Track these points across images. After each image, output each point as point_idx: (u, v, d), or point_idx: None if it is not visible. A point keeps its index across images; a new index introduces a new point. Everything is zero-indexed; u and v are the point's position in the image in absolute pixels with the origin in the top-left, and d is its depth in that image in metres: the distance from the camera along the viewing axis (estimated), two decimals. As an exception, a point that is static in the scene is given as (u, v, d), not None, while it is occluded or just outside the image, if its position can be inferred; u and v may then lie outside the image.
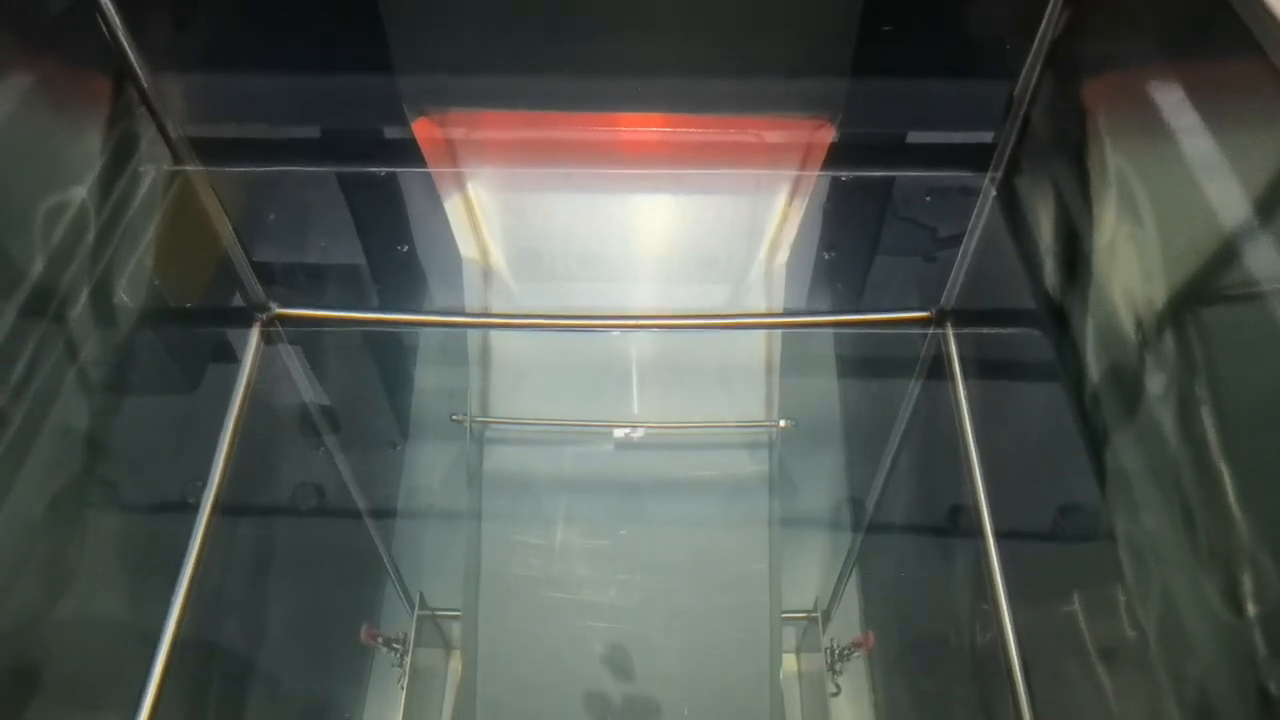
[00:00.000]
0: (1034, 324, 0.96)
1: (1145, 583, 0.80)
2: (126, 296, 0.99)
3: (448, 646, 1.97)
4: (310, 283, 1.53)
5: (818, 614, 1.82)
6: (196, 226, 1.06)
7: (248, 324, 1.07)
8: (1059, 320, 0.90)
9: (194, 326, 1.19)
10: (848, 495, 1.95)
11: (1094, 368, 0.86)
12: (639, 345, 1.74)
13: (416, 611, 1.76)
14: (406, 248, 1.84)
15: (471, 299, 1.65)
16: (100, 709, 1.09)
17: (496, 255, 1.65)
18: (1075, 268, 0.88)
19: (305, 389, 1.26)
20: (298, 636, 1.66)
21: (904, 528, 1.68)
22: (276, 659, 1.54)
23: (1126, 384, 0.84)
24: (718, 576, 1.76)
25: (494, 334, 1.71)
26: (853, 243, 1.51)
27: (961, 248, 0.92)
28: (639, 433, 1.71)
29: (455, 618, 1.80)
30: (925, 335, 1.06)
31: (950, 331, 1.01)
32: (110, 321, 1.00)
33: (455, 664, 1.94)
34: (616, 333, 1.71)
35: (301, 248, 1.54)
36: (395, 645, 1.74)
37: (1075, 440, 0.91)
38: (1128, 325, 0.85)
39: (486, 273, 1.66)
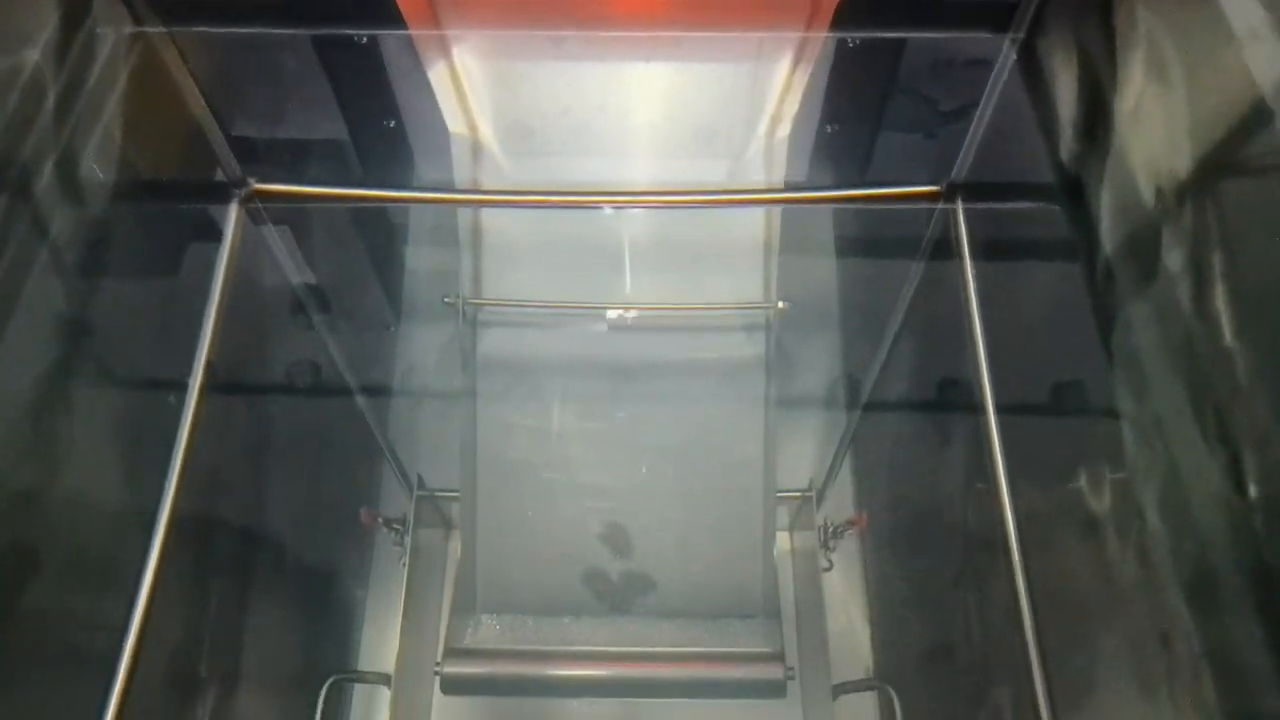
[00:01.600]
0: (1048, 197, 0.92)
1: (1149, 461, 0.79)
2: (95, 171, 0.94)
3: (447, 526, 2.01)
4: (291, 158, 1.46)
5: (812, 493, 1.84)
6: (164, 96, 0.99)
7: (225, 200, 1.02)
8: (1075, 193, 0.86)
9: (169, 203, 1.14)
10: (845, 376, 1.95)
11: (1109, 242, 0.82)
12: (634, 224, 1.69)
13: (416, 492, 1.78)
14: (392, 122, 1.76)
15: (461, 175, 1.59)
16: (100, 589, 1.10)
17: (485, 129, 1.58)
18: (1095, 136, 0.83)
19: (291, 269, 1.23)
20: (297, 518, 1.68)
21: (901, 408, 1.67)
22: (276, 540, 1.56)
23: (1142, 259, 0.80)
24: (713, 457, 1.76)
25: (485, 212, 1.65)
26: (858, 115, 1.44)
27: (976, 115, 0.87)
28: (634, 314, 1.68)
29: (454, 498, 1.82)
30: (933, 212, 1.02)
31: (960, 206, 0.96)
32: (79, 198, 0.95)
33: (455, 543, 1.98)
34: (610, 210, 1.65)
35: (280, 120, 1.47)
36: (395, 526, 1.76)
37: (1084, 318, 0.88)
38: (1147, 197, 0.81)
39: (475, 148, 1.60)
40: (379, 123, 1.71)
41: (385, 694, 1.54)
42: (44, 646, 1.01)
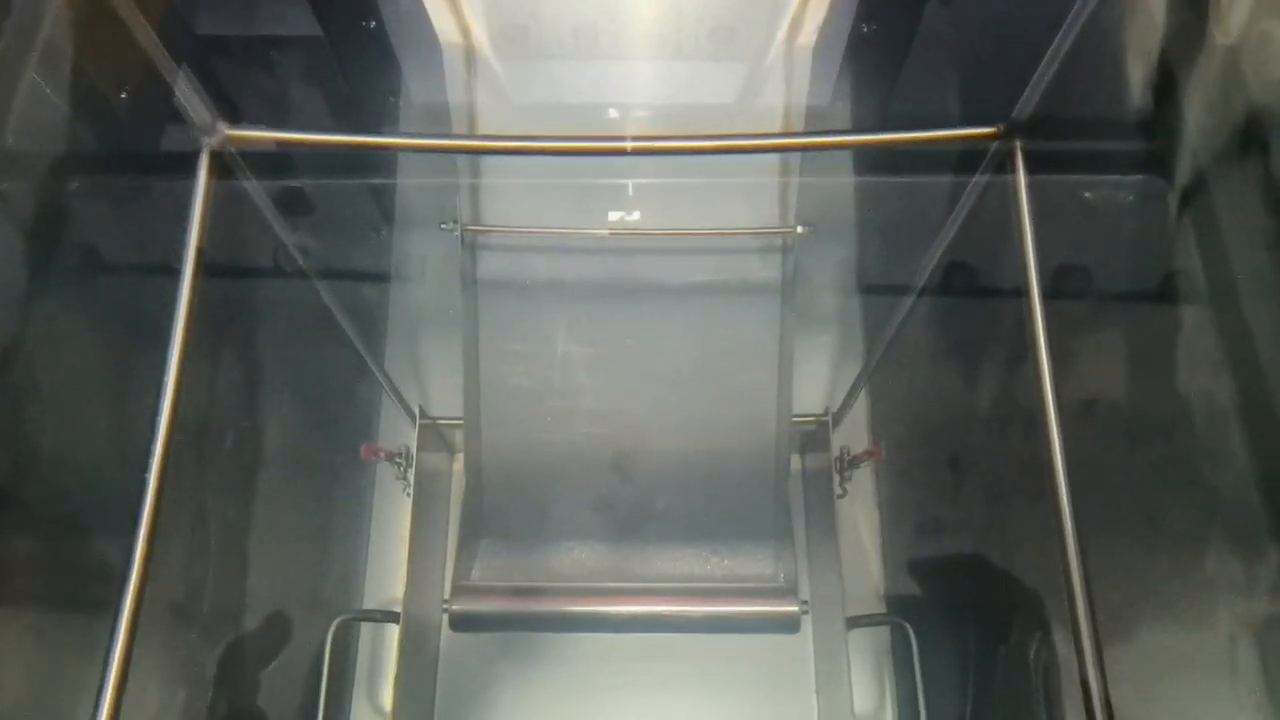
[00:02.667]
0: (1127, 137, 0.82)
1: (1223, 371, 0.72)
2: (30, 117, 0.83)
3: (451, 451, 1.96)
4: (265, 89, 1.33)
5: (828, 418, 1.78)
6: (106, 25, 0.87)
7: (194, 149, 0.91)
8: (1158, 137, 0.76)
9: (126, 154, 1.03)
10: (866, 305, 1.86)
11: (1207, 191, 0.73)
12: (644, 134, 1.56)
13: (419, 421, 1.72)
14: (373, 23, 1.61)
15: (454, 89, 1.47)
16: (96, 540, 1.06)
17: (479, 34, 1.44)
18: (1189, 76, 0.72)
19: (273, 218, 1.12)
20: (295, 457, 1.63)
21: (933, 344, 1.60)
22: (274, 481, 1.51)
23: (1233, 209, 0.71)
24: (725, 383, 1.70)
25: (483, 128, 1.52)
26: (894, 26, 1.29)
27: (1054, 45, 0.74)
28: (644, 238, 1.58)
29: (457, 425, 1.76)
30: (985, 148, 0.91)
31: (1019, 146, 0.85)
32: (16, 153, 0.85)
33: (459, 466, 1.94)
34: (614, 112, 1.54)
35: (249, 49, 1.32)
36: (398, 460, 1.71)
37: (1155, 266, 0.79)
38: (1240, 143, 0.71)
39: (469, 56, 1.47)
40: (358, 25, 1.56)
41: (393, 632, 1.52)
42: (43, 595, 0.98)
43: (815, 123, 1.47)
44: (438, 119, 1.49)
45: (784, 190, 1.52)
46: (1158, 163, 0.80)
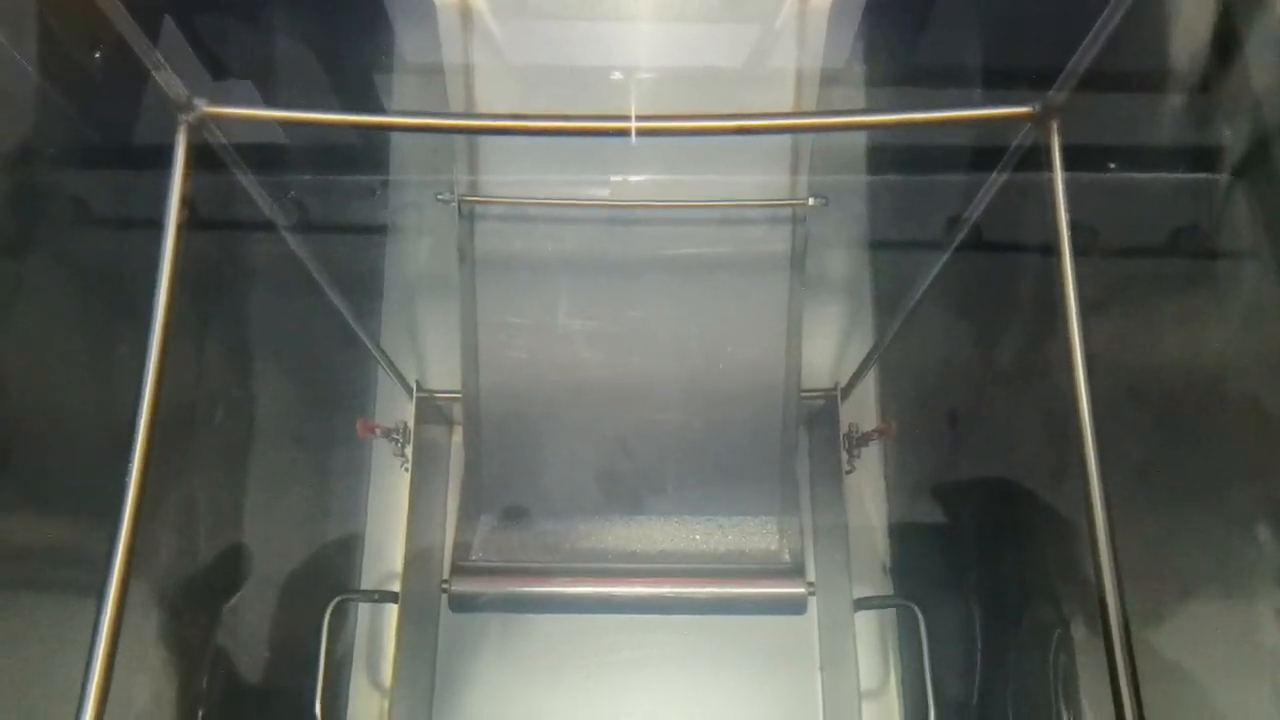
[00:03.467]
0: (1174, 122, 0.76)
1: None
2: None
3: (450, 423, 1.92)
4: (247, 40, 1.25)
5: (836, 392, 1.74)
6: (81, 13, 0.80)
7: (170, 129, 0.85)
8: (1212, 121, 0.70)
9: (98, 139, 0.97)
10: (880, 281, 1.80)
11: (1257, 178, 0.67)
12: (647, 100, 1.50)
13: (416, 394, 1.68)
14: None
15: (450, 50, 1.40)
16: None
17: (474, -12, 1.37)
18: (1251, 55, 0.66)
19: (257, 194, 1.06)
20: (288, 433, 1.59)
21: (952, 322, 1.54)
22: (267, 457, 1.47)
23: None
24: (732, 356, 1.65)
25: (480, 92, 1.46)
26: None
27: (1106, 11, 0.67)
28: (650, 208, 1.52)
29: (455, 398, 1.72)
30: (1019, 126, 0.85)
31: (1055, 127, 0.79)
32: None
33: (458, 439, 1.90)
34: (618, 74, 1.47)
35: (227, 17, 1.24)
36: (395, 436, 1.67)
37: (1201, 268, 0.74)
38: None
39: (465, 15, 1.39)
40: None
41: (392, 611, 1.49)
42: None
43: (830, 88, 1.40)
44: (431, 81, 1.42)
45: (795, 160, 1.45)
46: (1207, 152, 0.74)
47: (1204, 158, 0.76)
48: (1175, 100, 0.80)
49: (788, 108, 1.45)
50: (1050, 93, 0.78)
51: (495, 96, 1.47)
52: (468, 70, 1.42)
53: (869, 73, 1.61)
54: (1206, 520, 0.91)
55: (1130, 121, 0.86)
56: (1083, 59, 0.72)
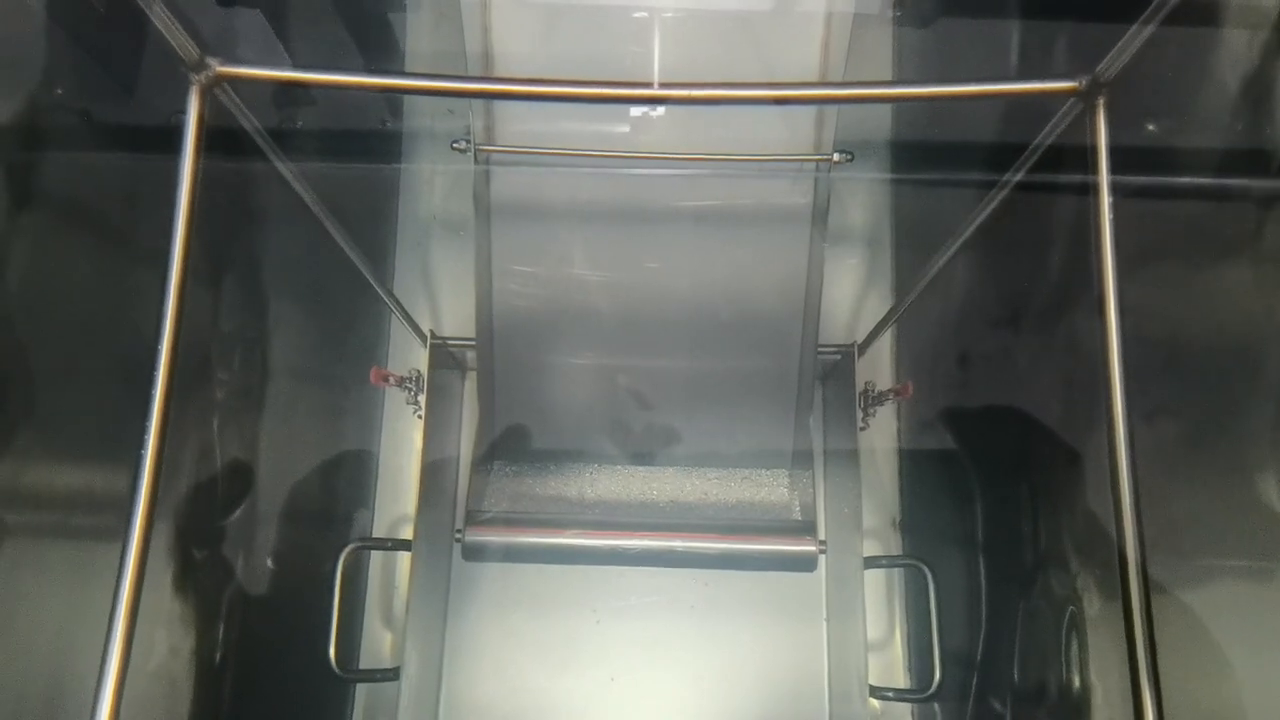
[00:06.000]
0: (1230, 111, 0.72)
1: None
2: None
3: (463, 369, 1.92)
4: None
5: (853, 349, 1.72)
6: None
7: (183, 89, 0.82)
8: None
9: (110, 98, 0.94)
10: (901, 240, 1.76)
11: None
12: (667, 54, 1.44)
13: (429, 342, 1.67)
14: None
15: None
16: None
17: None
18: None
19: (269, 149, 1.03)
20: (300, 382, 1.58)
21: (970, 283, 1.51)
22: (281, 406, 1.47)
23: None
24: (750, 310, 1.63)
25: (497, 40, 1.41)
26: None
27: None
28: (669, 161, 1.48)
29: (469, 346, 1.71)
30: (1061, 101, 0.81)
31: (1101, 104, 0.75)
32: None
33: (471, 386, 1.90)
34: (642, 13, 1.42)
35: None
36: (408, 384, 1.66)
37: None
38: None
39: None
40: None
41: (405, 559, 1.50)
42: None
43: (861, 36, 1.35)
44: (448, 18, 1.37)
45: (821, 113, 1.40)
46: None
47: (1258, 159, 0.72)
48: (1230, 86, 0.76)
49: (816, 51, 1.39)
50: (1099, 68, 0.74)
51: (512, 35, 1.41)
52: (485, 7, 1.37)
53: (900, 19, 1.55)
54: (1231, 484, 0.89)
55: (1179, 105, 0.82)
56: (1136, 36, 0.68)
